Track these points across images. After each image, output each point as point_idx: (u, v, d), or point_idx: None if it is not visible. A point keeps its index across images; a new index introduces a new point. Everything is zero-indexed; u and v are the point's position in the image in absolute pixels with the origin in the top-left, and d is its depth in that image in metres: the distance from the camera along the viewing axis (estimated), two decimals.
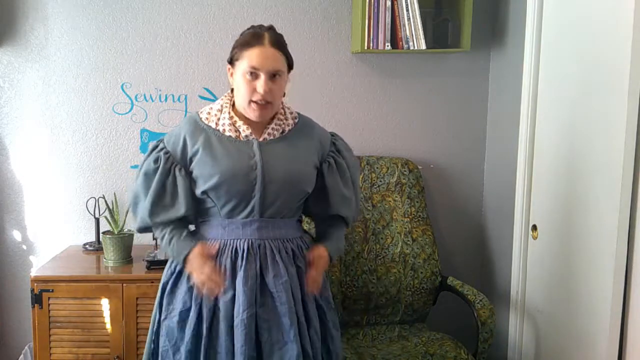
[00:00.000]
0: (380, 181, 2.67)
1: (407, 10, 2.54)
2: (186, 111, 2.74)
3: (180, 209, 1.72)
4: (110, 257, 2.46)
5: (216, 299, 1.69)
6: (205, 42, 2.70)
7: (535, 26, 2.38)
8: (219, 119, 1.74)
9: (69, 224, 2.77)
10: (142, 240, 2.66)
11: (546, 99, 2.35)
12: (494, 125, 2.83)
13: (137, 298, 2.32)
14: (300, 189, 1.76)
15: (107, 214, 2.55)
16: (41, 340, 2.32)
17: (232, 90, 1.78)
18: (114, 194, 2.71)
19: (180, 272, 1.76)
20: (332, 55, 2.76)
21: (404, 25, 2.55)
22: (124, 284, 2.31)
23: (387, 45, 2.56)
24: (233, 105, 1.77)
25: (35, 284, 2.29)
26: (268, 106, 1.69)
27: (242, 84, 1.67)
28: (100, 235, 2.58)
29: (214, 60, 2.72)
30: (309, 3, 2.72)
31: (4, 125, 2.69)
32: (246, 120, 1.74)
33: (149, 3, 2.66)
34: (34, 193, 2.74)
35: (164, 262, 2.02)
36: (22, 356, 2.65)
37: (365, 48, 2.55)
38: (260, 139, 1.73)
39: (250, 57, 1.65)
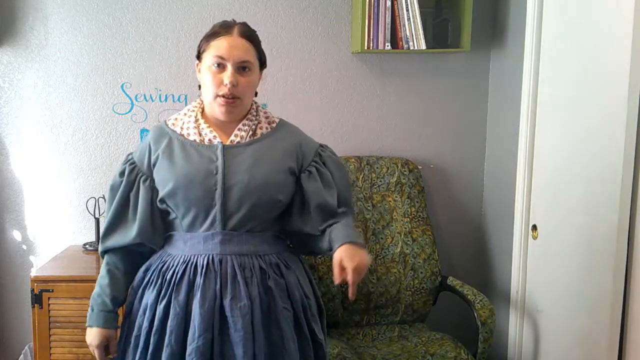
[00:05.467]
0: (380, 181, 2.67)
1: (407, 10, 2.54)
2: None
3: (132, 231, 1.58)
4: None
5: (165, 321, 1.52)
6: None
7: (535, 26, 2.38)
8: (183, 123, 1.63)
9: (69, 224, 2.77)
10: None
11: (546, 98, 2.35)
12: (494, 125, 2.83)
13: None
14: (268, 197, 1.57)
15: None
16: (41, 340, 2.32)
17: (200, 87, 1.66)
18: None
19: (144, 286, 1.60)
20: (332, 55, 2.76)
21: (404, 25, 2.55)
22: None
23: (387, 45, 2.56)
24: (203, 110, 1.65)
25: (35, 284, 2.29)
26: (236, 102, 1.56)
27: (207, 76, 1.55)
28: (101, 235, 2.58)
29: None
30: (308, 3, 2.72)
31: (4, 125, 2.69)
32: (213, 124, 1.62)
33: (149, 3, 2.66)
34: (34, 193, 2.74)
35: None
36: (22, 356, 2.65)
37: (365, 48, 2.55)
38: (227, 142, 1.59)
39: (216, 47, 1.54)
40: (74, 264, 2.49)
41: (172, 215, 1.60)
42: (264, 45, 1.66)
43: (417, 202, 2.67)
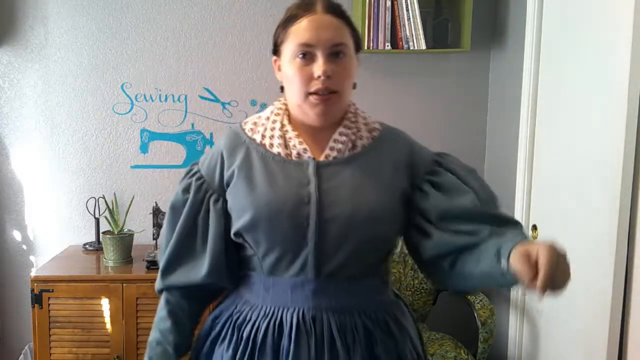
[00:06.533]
0: None
1: (407, 10, 2.54)
2: (186, 111, 2.74)
3: (202, 267, 1.24)
4: (110, 257, 2.46)
5: None
6: (205, 42, 2.70)
7: (535, 26, 2.37)
8: (266, 130, 1.26)
9: (69, 224, 2.77)
10: (142, 240, 2.66)
11: (546, 99, 2.35)
12: (494, 125, 2.83)
13: (137, 298, 2.31)
14: (377, 233, 1.20)
15: (107, 214, 2.55)
16: (41, 340, 2.32)
17: (282, 89, 1.29)
18: (114, 194, 2.71)
19: (214, 338, 1.28)
20: None
21: (404, 25, 2.55)
22: (124, 284, 2.31)
23: (387, 45, 2.56)
24: (289, 114, 1.28)
25: (35, 284, 2.29)
26: (333, 98, 1.19)
27: (292, 73, 1.19)
28: (100, 235, 2.59)
29: (214, 60, 2.72)
30: None
31: (4, 125, 2.69)
32: (303, 133, 1.25)
33: (149, 3, 2.66)
34: (34, 193, 2.74)
35: None
36: (22, 356, 2.65)
37: (365, 48, 2.55)
38: (321, 158, 1.22)
39: (298, 32, 1.18)
40: (74, 264, 2.49)
41: (250, 252, 1.24)
42: (266, 47, 1.55)
43: None
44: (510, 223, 1.20)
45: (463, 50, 2.64)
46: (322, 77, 1.16)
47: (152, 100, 2.73)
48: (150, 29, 2.68)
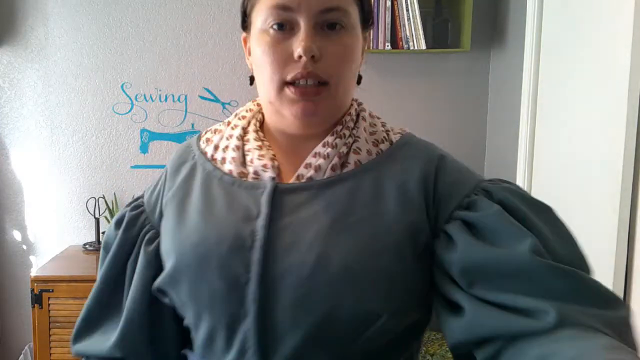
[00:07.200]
0: None
1: (407, 10, 2.54)
2: (186, 111, 2.74)
3: (109, 337, 0.86)
4: None
5: None
6: (205, 42, 2.70)
7: (535, 26, 2.38)
8: (222, 139, 0.87)
9: (69, 224, 2.77)
10: None
11: (546, 98, 2.35)
12: (494, 125, 2.83)
13: None
14: (362, 300, 0.73)
15: (107, 214, 2.55)
16: (41, 340, 2.32)
17: (252, 80, 0.87)
18: (114, 194, 2.71)
19: None
20: None
21: (404, 25, 2.55)
22: None
23: (387, 45, 2.56)
24: (263, 119, 0.89)
25: (35, 284, 2.29)
26: (322, 91, 0.78)
27: (261, 51, 0.78)
28: (100, 235, 2.59)
29: (214, 60, 2.72)
30: None
31: (4, 125, 2.69)
32: (277, 143, 0.86)
33: (149, 3, 2.66)
34: (34, 193, 2.74)
35: None
36: (22, 356, 2.65)
37: (366, 48, 2.54)
38: (291, 180, 0.80)
39: None
40: (74, 264, 2.49)
41: (186, 320, 0.83)
42: None
43: None
44: (596, 302, 0.67)
45: (463, 50, 2.64)
46: (305, 58, 0.74)
47: (152, 100, 2.73)
48: (150, 29, 2.68)
